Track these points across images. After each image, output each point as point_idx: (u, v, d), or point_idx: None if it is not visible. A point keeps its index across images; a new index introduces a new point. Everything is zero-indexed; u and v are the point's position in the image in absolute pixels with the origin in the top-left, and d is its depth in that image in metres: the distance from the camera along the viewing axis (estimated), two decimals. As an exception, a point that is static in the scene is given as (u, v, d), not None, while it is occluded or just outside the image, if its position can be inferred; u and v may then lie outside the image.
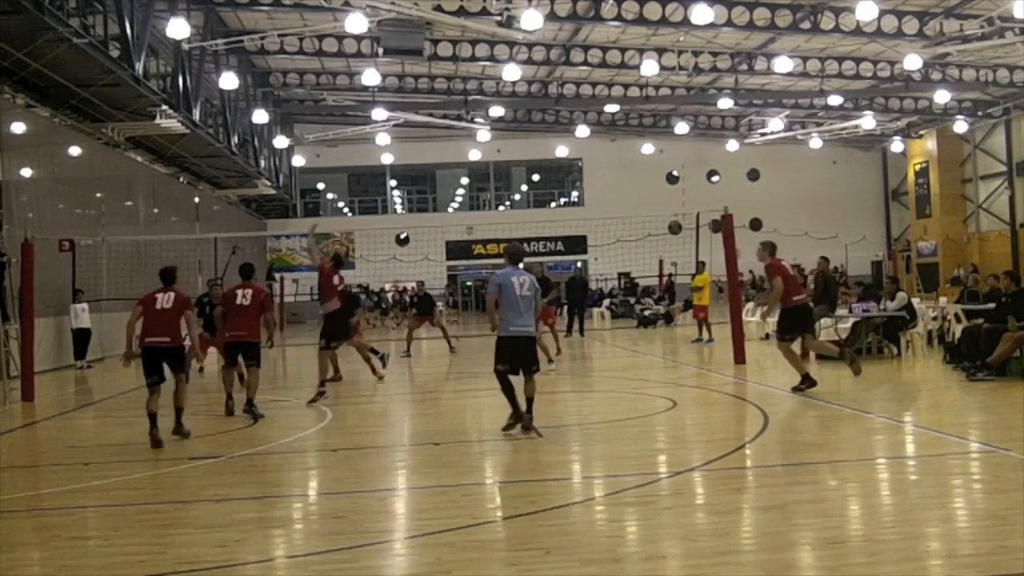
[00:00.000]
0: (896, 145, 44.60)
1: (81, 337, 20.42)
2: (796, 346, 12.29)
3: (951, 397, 11.41)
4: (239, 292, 11.47)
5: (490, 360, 9.48)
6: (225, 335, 11.75)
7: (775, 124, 39.76)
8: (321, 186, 48.94)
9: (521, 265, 9.79)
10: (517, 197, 49.55)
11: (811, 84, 33.77)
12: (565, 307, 26.24)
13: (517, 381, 9.33)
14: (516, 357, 9.32)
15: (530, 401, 9.24)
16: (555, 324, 19.24)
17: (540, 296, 9.80)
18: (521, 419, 9.21)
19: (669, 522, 6.06)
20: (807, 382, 11.55)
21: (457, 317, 38.67)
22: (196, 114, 25.33)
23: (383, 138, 39.55)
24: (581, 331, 25.02)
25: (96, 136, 24.05)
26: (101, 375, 19.08)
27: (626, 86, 36.07)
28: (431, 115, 38.08)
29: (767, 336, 21.01)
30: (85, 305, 20.50)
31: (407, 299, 38.42)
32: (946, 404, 11.08)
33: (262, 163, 35.98)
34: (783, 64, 29.41)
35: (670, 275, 30.93)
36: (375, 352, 15.27)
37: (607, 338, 24.84)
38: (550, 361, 15.52)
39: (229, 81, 26.32)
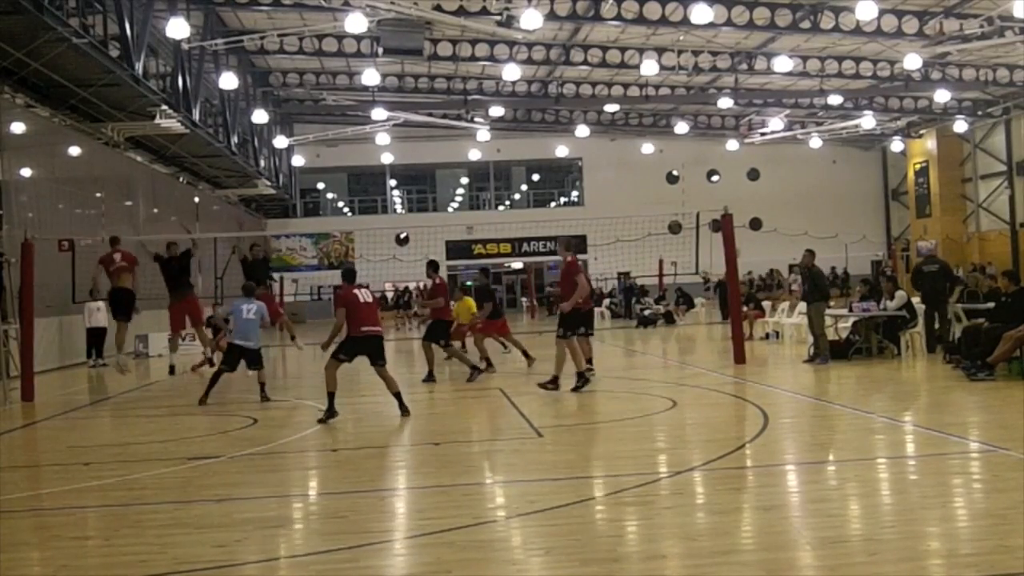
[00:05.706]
0: (896, 145, 44.62)
1: (96, 335, 20.42)
2: None
3: (951, 397, 11.39)
4: (359, 292, 11.46)
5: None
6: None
7: (775, 124, 39.77)
8: (321, 186, 48.98)
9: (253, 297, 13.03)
10: (517, 197, 49.57)
11: (811, 83, 33.79)
12: None
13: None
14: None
15: (262, 385, 12.97)
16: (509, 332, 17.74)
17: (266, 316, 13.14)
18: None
19: (669, 522, 6.06)
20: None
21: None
22: (196, 114, 25.33)
23: (383, 138, 39.55)
24: None
25: (96, 136, 24.04)
26: (105, 375, 19.07)
27: (626, 86, 36.08)
28: (431, 115, 38.08)
29: (767, 336, 21.06)
30: (101, 304, 20.41)
31: (406, 299, 38.33)
32: (946, 404, 11.07)
33: (262, 163, 35.96)
34: (783, 64, 29.41)
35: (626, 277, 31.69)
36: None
37: (607, 338, 24.83)
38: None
39: (229, 81, 26.31)
